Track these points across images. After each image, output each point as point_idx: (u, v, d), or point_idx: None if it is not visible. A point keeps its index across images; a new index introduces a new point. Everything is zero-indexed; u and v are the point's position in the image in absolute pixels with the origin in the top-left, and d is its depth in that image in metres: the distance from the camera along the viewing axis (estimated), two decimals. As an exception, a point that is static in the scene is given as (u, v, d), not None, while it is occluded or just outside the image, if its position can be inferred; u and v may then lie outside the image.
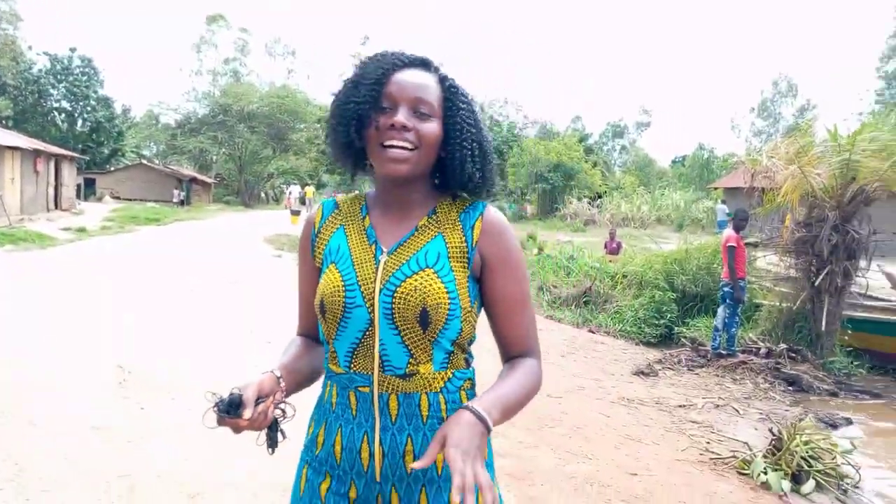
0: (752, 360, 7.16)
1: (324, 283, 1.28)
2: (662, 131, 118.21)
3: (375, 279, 1.24)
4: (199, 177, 47.26)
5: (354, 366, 1.26)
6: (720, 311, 7.45)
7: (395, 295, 1.22)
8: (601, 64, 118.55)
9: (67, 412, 4.32)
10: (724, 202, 24.15)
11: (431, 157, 1.27)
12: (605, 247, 13.95)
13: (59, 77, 46.91)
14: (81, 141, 45.94)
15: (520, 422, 4.76)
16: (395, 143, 1.22)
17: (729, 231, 7.44)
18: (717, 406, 5.73)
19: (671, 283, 9.98)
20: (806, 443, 4.24)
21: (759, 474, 4.10)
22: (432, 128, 1.25)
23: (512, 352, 1.34)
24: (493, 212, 1.32)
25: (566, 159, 33.75)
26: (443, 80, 1.31)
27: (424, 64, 1.32)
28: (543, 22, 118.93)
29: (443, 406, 1.26)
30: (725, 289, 7.35)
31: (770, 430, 4.58)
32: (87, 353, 5.77)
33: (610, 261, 12.58)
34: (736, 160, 16.52)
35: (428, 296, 1.21)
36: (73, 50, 47.93)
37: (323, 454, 1.30)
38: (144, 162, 47.63)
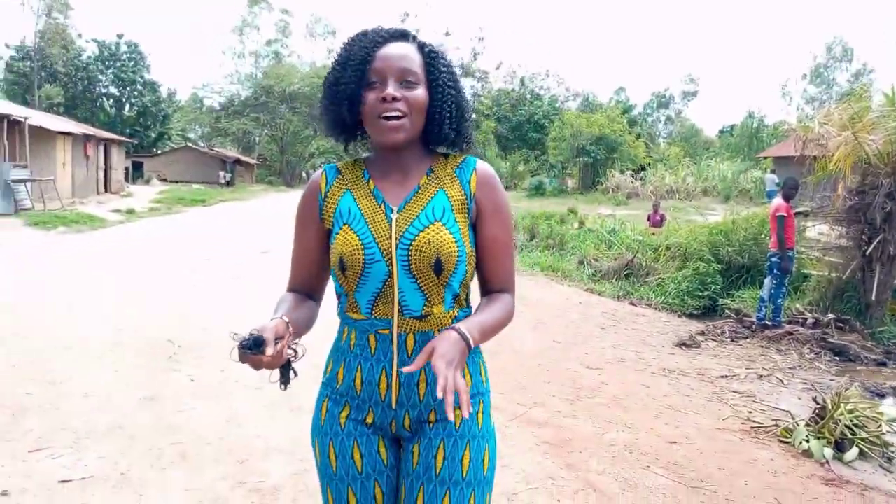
0: (798, 330, 7.01)
1: (341, 243, 1.40)
2: (710, 100, 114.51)
3: (391, 235, 1.38)
4: (243, 158, 48.07)
5: (376, 312, 1.41)
6: (767, 281, 7.30)
7: (411, 248, 1.36)
8: (646, 33, 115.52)
9: (121, 385, 4.53)
10: (773, 171, 23.45)
11: (422, 120, 1.40)
12: (649, 219, 13.75)
13: (107, 63, 48.08)
14: (129, 125, 47.13)
15: (558, 392, 4.80)
16: (388, 113, 1.35)
17: (778, 200, 7.26)
18: (761, 376, 5.65)
19: (716, 255, 9.80)
20: (850, 411, 4.16)
21: (800, 442, 4.05)
22: (419, 94, 1.38)
23: (493, 288, 1.49)
24: (484, 166, 1.47)
25: (609, 132, 33.13)
26: (422, 47, 1.43)
27: (404, 35, 1.43)
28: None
29: None
30: (773, 259, 7.19)
31: (814, 399, 4.51)
32: (141, 328, 6.00)
33: (653, 233, 12.40)
34: (787, 128, 15.97)
35: (441, 246, 1.36)
36: (120, 36, 49.08)
37: (343, 388, 1.46)
38: (189, 144, 48.62)
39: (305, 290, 1.55)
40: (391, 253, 1.37)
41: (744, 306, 8.32)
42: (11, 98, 39.46)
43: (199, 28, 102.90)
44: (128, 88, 48.54)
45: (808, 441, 4.02)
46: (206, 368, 4.93)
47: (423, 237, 1.36)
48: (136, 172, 41.03)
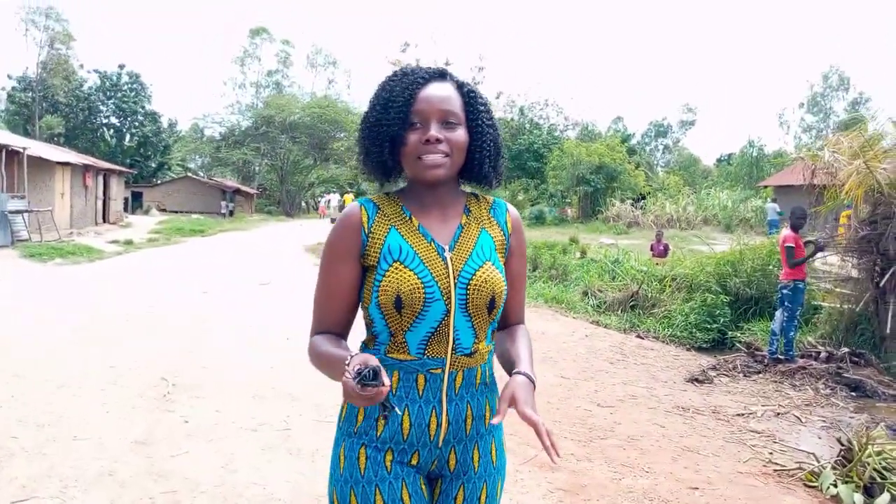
0: (811, 364, 6.82)
1: (397, 281, 1.37)
2: (707, 130, 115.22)
3: (448, 274, 1.39)
4: (243, 188, 48.05)
5: (429, 352, 1.40)
6: (778, 314, 7.12)
7: (470, 286, 1.40)
8: (643, 62, 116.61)
9: (112, 426, 4.32)
10: (774, 200, 23.40)
11: (462, 159, 1.43)
12: (652, 249, 13.58)
13: (108, 94, 48.36)
14: (129, 155, 47.22)
15: (570, 433, 4.59)
16: (431, 156, 1.37)
17: (786, 231, 7.13)
18: (778, 414, 5.45)
19: (724, 286, 9.63)
20: (878, 453, 3.97)
21: (828, 487, 3.85)
22: (460, 135, 1.41)
23: (511, 320, 1.58)
24: (513, 209, 1.57)
25: (609, 160, 33.14)
26: (461, 87, 1.45)
27: (442, 75, 1.45)
28: (583, 21, 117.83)
29: (487, 373, 1.49)
30: (783, 291, 7.03)
31: (838, 440, 4.31)
32: (135, 364, 5.80)
33: (657, 263, 12.22)
34: (794, 157, 15.92)
35: (495, 284, 1.42)
36: (121, 66, 49.41)
37: (386, 434, 1.41)
38: (190, 175, 48.63)
39: (337, 330, 1.49)
40: (450, 291, 1.39)
41: (754, 339, 8.13)
42: (12, 128, 39.56)
43: (201, 59, 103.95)
44: (129, 119, 48.73)
45: (836, 486, 3.81)
46: (201, 408, 4.73)
47: (480, 276, 1.40)
48: (135, 202, 40.98)
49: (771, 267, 9.19)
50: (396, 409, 1.35)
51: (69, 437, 4.08)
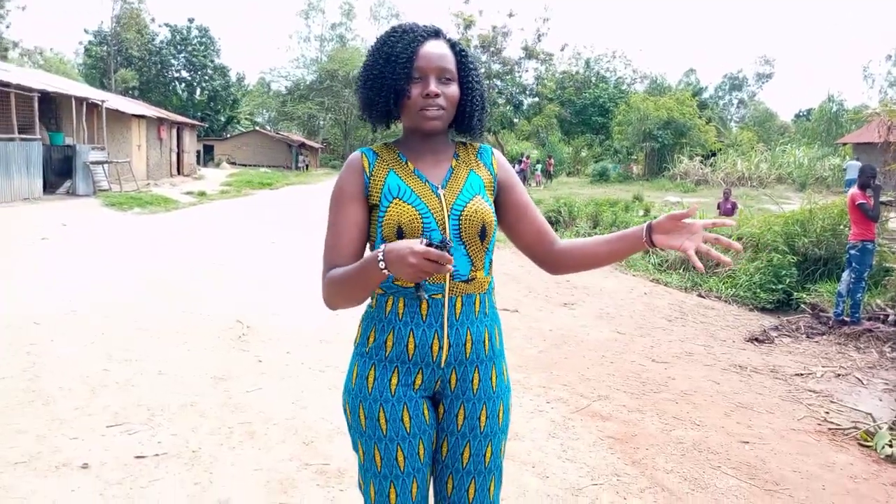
0: (878, 327, 6.67)
1: (397, 214, 1.53)
2: (785, 83, 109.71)
3: (442, 207, 1.55)
4: (308, 142, 48.86)
5: (430, 279, 1.52)
6: (845, 275, 6.95)
7: (462, 217, 1.55)
8: (718, 12, 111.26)
9: (192, 363, 4.67)
10: (857, 159, 22.31)
11: (454, 112, 1.59)
12: (719, 207, 13.27)
13: (178, 47, 49.56)
14: (200, 109, 48.55)
15: (623, 385, 4.69)
16: (430, 108, 1.53)
17: (854, 189, 6.90)
18: (838, 375, 5.40)
19: (792, 246, 9.38)
20: (940, 417, 3.93)
21: (883, 447, 3.85)
22: (454, 90, 1.57)
23: (554, 238, 1.69)
24: (498, 152, 1.73)
25: (678, 115, 32.08)
26: (454, 46, 1.60)
27: (437, 34, 1.59)
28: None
29: (486, 304, 1.62)
30: (852, 251, 6.84)
31: (898, 403, 4.27)
32: (212, 308, 6.18)
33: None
34: (870, 112, 15.09)
35: (485, 214, 1.57)
36: (191, 20, 50.47)
37: (393, 354, 1.56)
38: (258, 129, 49.72)
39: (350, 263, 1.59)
40: (444, 222, 1.54)
41: (820, 301, 7.95)
42: (90, 82, 41.18)
43: (267, 12, 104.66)
44: (199, 73, 49.95)
45: (891, 446, 3.81)
46: (273, 350, 5.04)
47: (471, 207, 1.56)
48: (206, 155, 42.29)
49: (841, 227, 8.89)
50: (425, 296, 1.49)
51: (154, 371, 4.44)
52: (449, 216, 1.54)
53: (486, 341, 1.61)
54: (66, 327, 5.36)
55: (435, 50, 1.55)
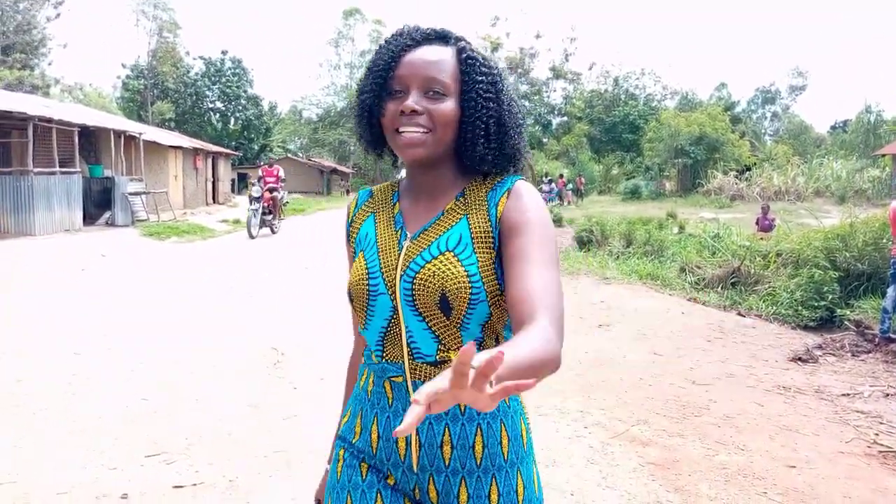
0: (928, 345, 6.44)
1: (352, 272, 1.28)
2: (820, 94, 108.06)
3: (397, 265, 1.20)
4: (339, 167, 49.48)
5: (386, 355, 1.23)
6: (890, 291, 6.74)
7: (415, 281, 1.16)
8: (748, 24, 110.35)
9: (228, 391, 4.70)
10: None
11: (449, 136, 1.19)
12: (757, 223, 13.07)
13: (213, 79, 50.84)
14: (234, 138, 49.60)
15: (662, 409, 4.59)
16: (407, 129, 1.16)
17: (895, 202, 6.71)
18: (887, 395, 5.21)
19: (833, 261, 9.15)
20: None
21: (940, 472, 3.69)
22: (446, 107, 1.17)
23: (530, 313, 1.03)
24: (520, 185, 1.21)
25: (710, 130, 31.81)
26: (460, 52, 1.21)
27: (442, 37, 1.23)
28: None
29: None
30: (895, 266, 6.64)
31: (954, 424, 4.10)
32: (246, 336, 6.24)
33: (761, 238, 11.74)
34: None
35: (447, 280, 1.13)
36: (224, 52, 51.77)
37: (361, 443, 1.27)
38: (290, 155, 50.56)
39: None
40: (395, 285, 1.19)
41: (864, 318, 7.72)
42: (128, 115, 42.40)
43: (297, 41, 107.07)
44: (233, 103, 51.12)
45: (948, 470, 3.65)
46: (308, 376, 5.05)
47: (428, 269, 1.15)
48: (240, 183, 43.06)
49: (884, 241, 8.65)
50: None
51: (191, 399, 4.48)
52: (401, 278, 1.18)
53: (480, 447, 1.18)
54: (106, 357, 5.45)
55: (423, 56, 1.18)
